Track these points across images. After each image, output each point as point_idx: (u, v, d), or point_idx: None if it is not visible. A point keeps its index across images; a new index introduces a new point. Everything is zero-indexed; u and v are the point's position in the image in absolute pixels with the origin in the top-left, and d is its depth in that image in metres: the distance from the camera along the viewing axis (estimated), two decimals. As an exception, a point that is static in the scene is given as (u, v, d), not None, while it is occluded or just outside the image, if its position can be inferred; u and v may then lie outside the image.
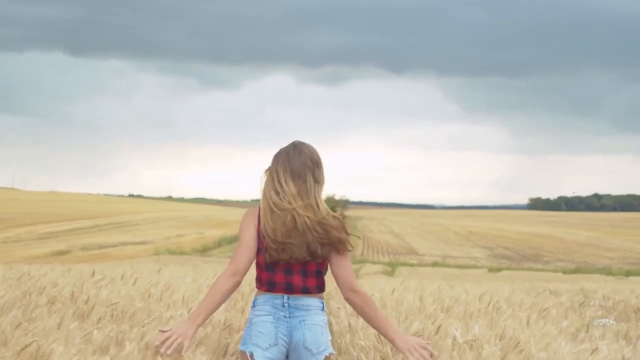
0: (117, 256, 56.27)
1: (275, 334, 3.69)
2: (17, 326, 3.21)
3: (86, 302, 4.17)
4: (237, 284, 3.77)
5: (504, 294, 7.25)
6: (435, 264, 58.90)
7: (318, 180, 3.82)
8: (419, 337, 4.01)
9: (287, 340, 3.70)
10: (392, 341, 3.80)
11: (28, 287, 4.74)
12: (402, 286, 7.49)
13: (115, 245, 70.62)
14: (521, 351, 3.65)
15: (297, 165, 3.79)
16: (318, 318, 3.75)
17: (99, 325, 3.64)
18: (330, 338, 3.81)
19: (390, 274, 44.17)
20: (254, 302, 3.82)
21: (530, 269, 59.43)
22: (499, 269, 55.32)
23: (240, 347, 3.74)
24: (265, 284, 3.76)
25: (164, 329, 3.54)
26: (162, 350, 3.44)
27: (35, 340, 2.75)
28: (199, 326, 3.65)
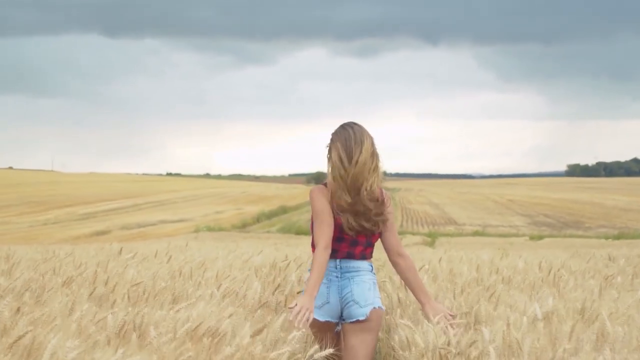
0: (156, 234, 56.38)
1: (327, 293, 4.15)
2: (17, 311, 2.81)
3: (106, 283, 3.77)
4: (329, 254, 4.11)
5: (560, 261, 6.78)
6: (476, 233, 58.35)
7: (375, 165, 4.31)
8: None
9: (338, 297, 4.15)
10: (422, 305, 4.21)
11: (47, 269, 4.35)
12: (450, 256, 7.03)
13: (154, 224, 70.77)
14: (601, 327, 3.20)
15: (360, 149, 4.19)
16: (366, 277, 4.20)
17: (114, 309, 3.22)
18: (379, 295, 4.22)
19: (431, 244, 43.78)
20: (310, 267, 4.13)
21: (572, 235, 58.77)
22: (540, 237, 54.78)
23: None
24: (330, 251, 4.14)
25: (291, 306, 3.80)
26: (296, 325, 3.69)
27: (30, 330, 2.34)
28: (313, 296, 3.93)
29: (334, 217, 4.17)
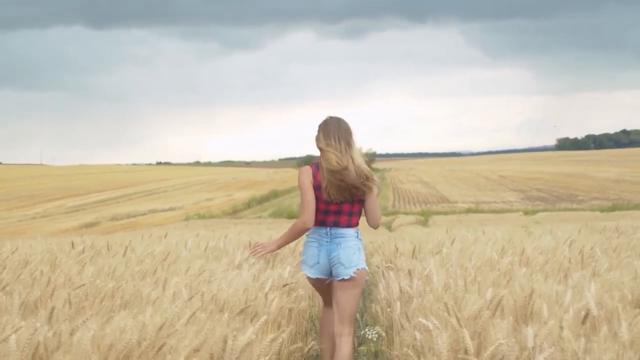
0: (146, 224, 55.68)
1: (318, 255, 5.04)
2: None
3: (47, 285, 3.08)
4: (308, 229, 5.05)
5: (571, 236, 6.13)
6: (469, 211, 57.84)
7: (353, 143, 5.04)
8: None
9: (327, 259, 5.01)
10: None
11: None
12: (453, 235, 6.37)
13: (144, 214, 70.05)
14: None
15: (341, 132, 5.03)
16: (352, 243, 5.01)
17: (37, 323, 2.49)
18: (363, 258, 4.98)
19: (424, 223, 43.29)
20: (307, 234, 5.14)
21: (566, 209, 58.44)
22: (534, 211, 54.43)
23: (300, 267, 5.14)
24: (318, 222, 5.04)
25: (258, 242, 5.46)
26: (252, 254, 5.26)
27: None
28: (277, 246, 5.28)
29: (317, 194, 4.99)
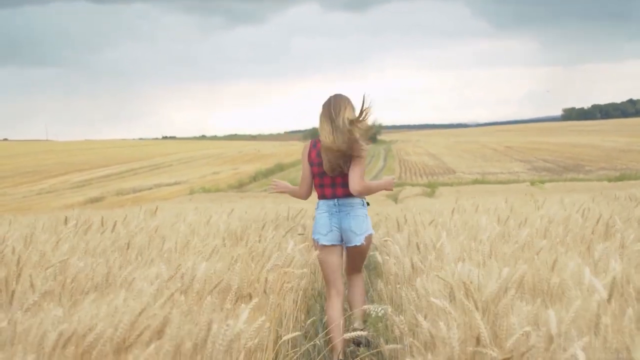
0: (151, 198, 55.39)
1: (330, 224, 5.39)
2: None
3: (17, 264, 2.77)
4: (307, 196, 5.59)
5: (583, 204, 5.80)
6: (475, 182, 57.52)
7: (342, 112, 5.28)
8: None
9: (338, 227, 5.38)
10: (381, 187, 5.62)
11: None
12: (462, 206, 6.05)
13: (150, 188, 69.78)
14: None
15: (334, 110, 5.31)
16: (360, 211, 5.38)
17: None
18: (370, 223, 5.37)
19: (430, 194, 43.04)
20: (317, 205, 5.52)
21: (573, 179, 58.15)
22: (541, 182, 54.18)
23: (312, 236, 5.49)
24: (321, 196, 5.47)
25: (275, 181, 5.96)
26: (269, 190, 5.86)
27: None
28: (288, 191, 5.75)
29: (313, 169, 5.46)
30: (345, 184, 5.33)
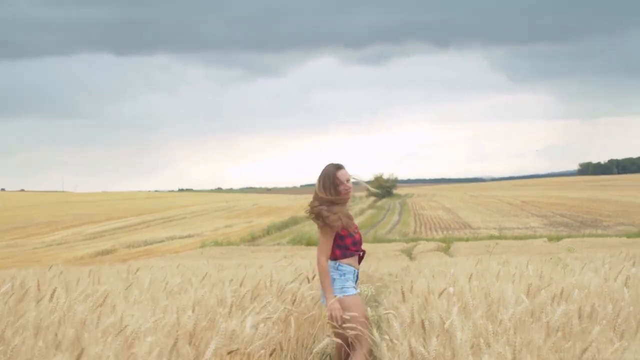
0: (163, 251, 54.76)
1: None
2: None
3: None
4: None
5: (622, 269, 5.03)
6: (492, 237, 56.59)
7: (320, 184, 5.94)
8: None
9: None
10: (327, 298, 5.61)
11: None
12: (481, 269, 5.27)
13: (162, 241, 69.13)
14: None
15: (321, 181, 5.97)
16: (331, 272, 5.70)
17: None
18: (341, 286, 5.64)
19: (446, 250, 42.21)
20: None
21: (591, 235, 57.10)
22: (558, 238, 53.30)
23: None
24: None
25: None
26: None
27: None
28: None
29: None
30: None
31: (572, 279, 4.21)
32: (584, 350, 2.22)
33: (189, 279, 5.49)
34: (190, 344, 3.13)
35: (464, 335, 2.70)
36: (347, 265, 5.74)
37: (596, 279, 4.21)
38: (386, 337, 3.19)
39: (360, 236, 5.95)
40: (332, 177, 5.89)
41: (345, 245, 5.79)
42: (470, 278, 4.44)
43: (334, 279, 5.68)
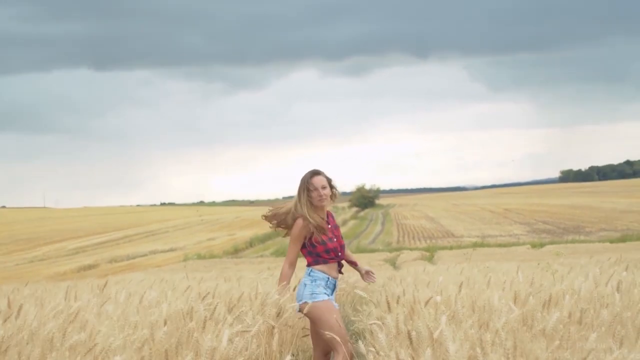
0: (145, 265, 54.46)
1: None
2: None
3: None
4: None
5: (613, 274, 4.91)
6: (475, 245, 56.62)
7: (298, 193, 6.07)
8: None
9: None
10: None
11: None
12: (469, 276, 5.14)
13: (145, 255, 68.85)
14: None
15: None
16: (304, 278, 5.86)
17: None
18: (311, 292, 5.70)
19: (429, 259, 42.12)
20: None
21: (574, 241, 57.24)
22: (541, 244, 53.45)
23: None
24: None
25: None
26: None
27: None
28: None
29: None
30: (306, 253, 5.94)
31: (562, 285, 4.08)
32: (585, 358, 2.08)
33: (164, 293, 5.33)
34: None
35: (457, 346, 2.52)
36: (319, 271, 5.76)
37: (586, 283, 4.08)
38: (372, 349, 3.04)
39: (338, 244, 5.90)
40: (305, 183, 5.93)
41: (317, 253, 5.81)
42: (460, 286, 4.29)
43: (305, 285, 5.74)
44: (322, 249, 5.80)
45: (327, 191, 5.89)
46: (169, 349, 3.16)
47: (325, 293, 5.70)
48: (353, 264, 6.15)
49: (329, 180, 5.98)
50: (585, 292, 3.68)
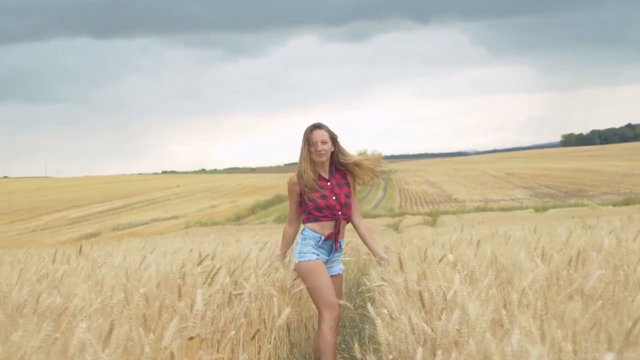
0: (147, 233, 54.34)
1: None
2: None
3: None
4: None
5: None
6: (478, 209, 56.42)
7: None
8: None
9: None
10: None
11: None
12: (480, 235, 4.86)
13: (146, 223, 68.77)
14: None
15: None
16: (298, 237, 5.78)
17: None
18: (299, 251, 5.58)
19: (432, 223, 41.95)
20: None
21: (577, 204, 57.01)
22: (545, 208, 53.27)
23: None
24: None
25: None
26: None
27: None
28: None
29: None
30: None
31: (582, 241, 3.80)
32: (636, 322, 1.79)
33: (163, 255, 5.07)
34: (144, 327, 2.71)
35: (478, 308, 2.21)
36: (310, 230, 5.61)
37: (609, 239, 3.81)
38: (384, 311, 2.75)
39: (337, 203, 5.65)
40: (305, 137, 5.66)
41: (308, 210, 5.65)
42: (477, 243, 4.00)
43: (297, 244, 5.65)
44: (312, 206, 5.62)
45: (328, 146, 5.59)
46: (147, 313, 2.88)
47: (314, 253, 5.52)
48: (373, 252, 5.83)
49: (332, 136, 5.66)
50: (611, 248, 3.41)
